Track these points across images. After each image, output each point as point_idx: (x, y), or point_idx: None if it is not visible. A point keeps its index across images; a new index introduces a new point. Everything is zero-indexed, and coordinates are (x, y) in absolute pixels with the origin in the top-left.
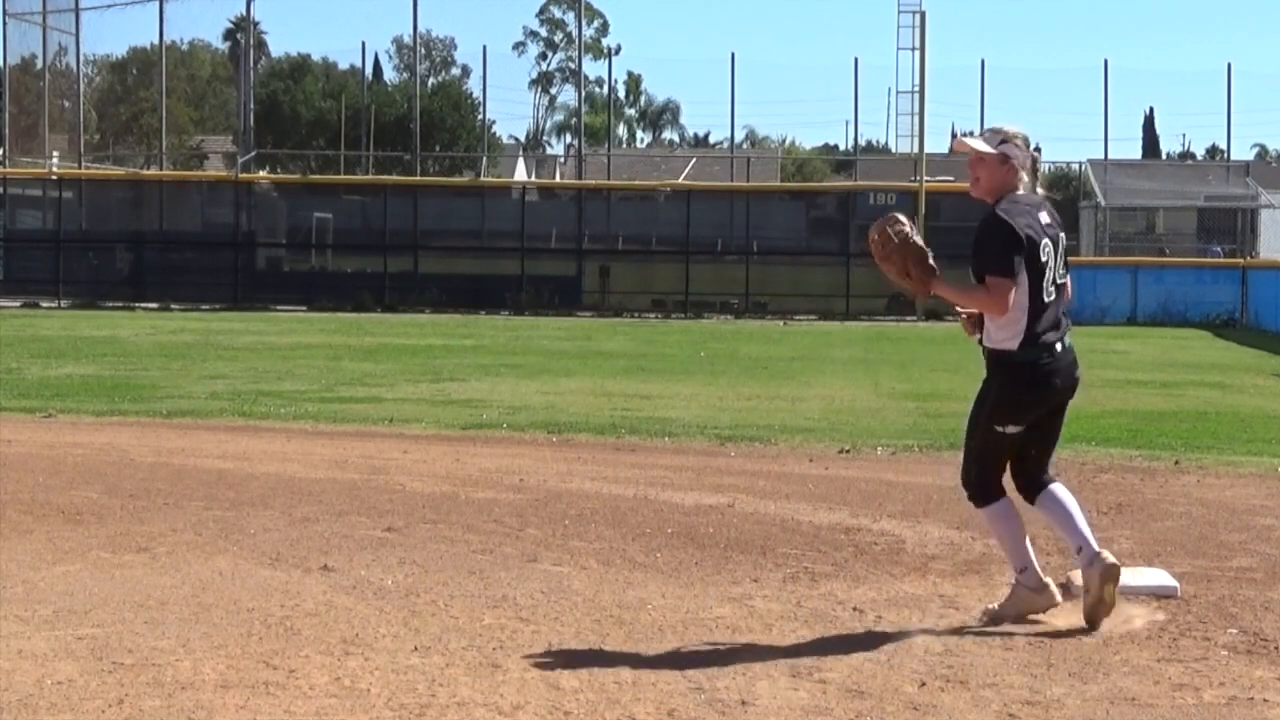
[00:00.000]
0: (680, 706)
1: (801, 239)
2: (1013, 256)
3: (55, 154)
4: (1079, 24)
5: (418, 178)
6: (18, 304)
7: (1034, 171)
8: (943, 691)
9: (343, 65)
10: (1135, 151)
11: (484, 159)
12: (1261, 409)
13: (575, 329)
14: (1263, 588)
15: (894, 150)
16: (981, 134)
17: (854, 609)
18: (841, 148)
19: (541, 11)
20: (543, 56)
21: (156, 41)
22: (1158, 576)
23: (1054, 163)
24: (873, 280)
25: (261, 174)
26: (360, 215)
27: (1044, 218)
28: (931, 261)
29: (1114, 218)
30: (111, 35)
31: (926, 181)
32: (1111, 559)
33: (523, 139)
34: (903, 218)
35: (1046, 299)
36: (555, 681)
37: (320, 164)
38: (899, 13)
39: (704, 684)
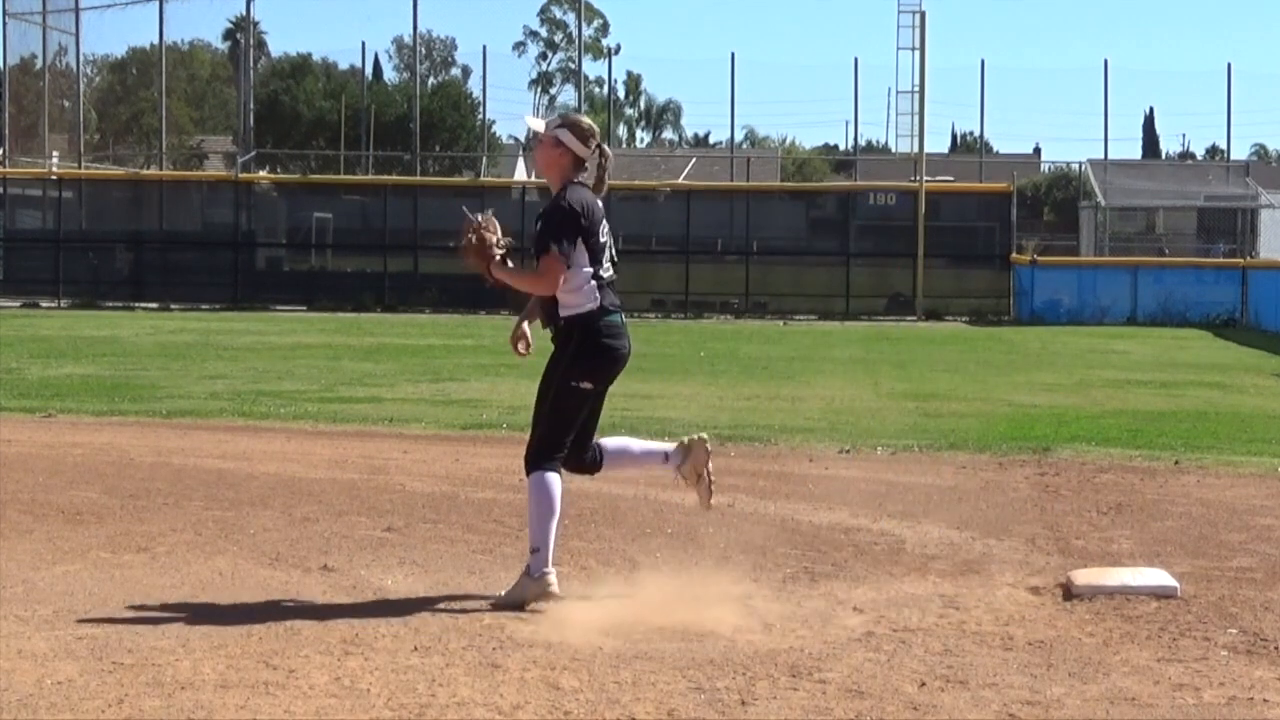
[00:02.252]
0: (680, 706)
1: (801, 239)
2: (565, 236)
3: (55, 154)
4: (1079, 24)
5: (418, 178)
6: (18, 304)
7: (600, 169)
8: (943, 691)
9: (343, 65)
10: (1135, 151)
11: (484, 159)
12: (1262, 409)
13: None
14: (1263, 588)
15: (894, 150)
16: (546, 115)
17: (854, 609)
18: (841, 148)
19: (542, 11)
20: (543, 56)
21: (156, 41)
22: (1157, 576)
23: (1054, 163)
24: (872, 279)
25: (261, 174)
26: (360, 215)
27: (599, 205)
28: (488, 247)
29: (1114, 217)
30: (111, 35)
31: (926, 181)
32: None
33: (523, 139)
34: (479, 219)
35: (605, 275)
36: (555, 681)
37: (320, 164)
38: (899, 13)
39: (704, 684)
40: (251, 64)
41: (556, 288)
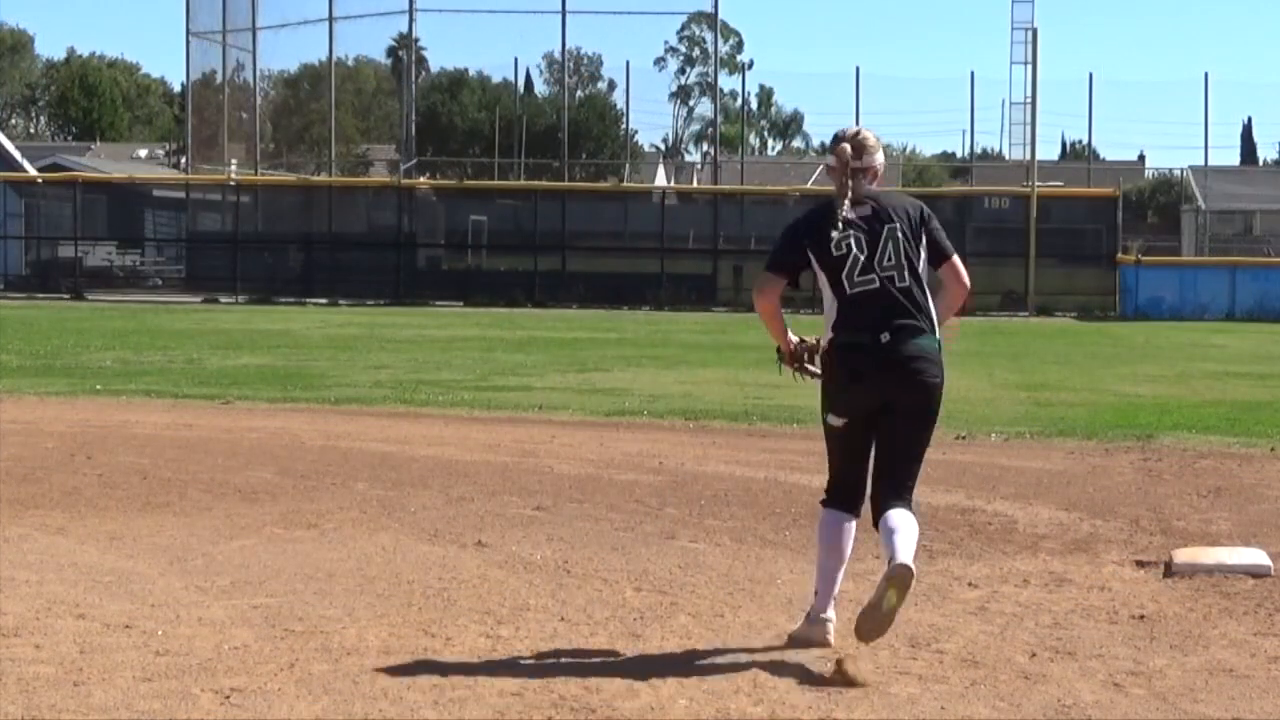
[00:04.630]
0: (807, 673)
1: None
2: (777, 250)
3: (234, 161)
4: (1181, 38)
5: (565, 183)
6: (199, 299)
7: (849, 174)
8: (1052, 662)
9: (497, 79)
10: (1234, 158)
11: (627, 166)
12: None
13: (711, 323)
14: None
15: (1007, 157)
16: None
17: (969, 584)
18: (958, 155)
19: (681, 30)
20: (681, 71)
21: (326, 58)
22: (1254, 556)
23: (1157, 169)
24: (987, 278)
25: (422, 180)
26: (512, 218)
27: (858, 212)
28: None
29: (1214, 220)
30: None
31: (1038, 187)
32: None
33: (663, 147)
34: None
35: (851, 290)
36: (691, 650)
37: (476, 170)
38: (1012, 29)
39: (829, 653)
40: (413, 78)
41: (766, 300)
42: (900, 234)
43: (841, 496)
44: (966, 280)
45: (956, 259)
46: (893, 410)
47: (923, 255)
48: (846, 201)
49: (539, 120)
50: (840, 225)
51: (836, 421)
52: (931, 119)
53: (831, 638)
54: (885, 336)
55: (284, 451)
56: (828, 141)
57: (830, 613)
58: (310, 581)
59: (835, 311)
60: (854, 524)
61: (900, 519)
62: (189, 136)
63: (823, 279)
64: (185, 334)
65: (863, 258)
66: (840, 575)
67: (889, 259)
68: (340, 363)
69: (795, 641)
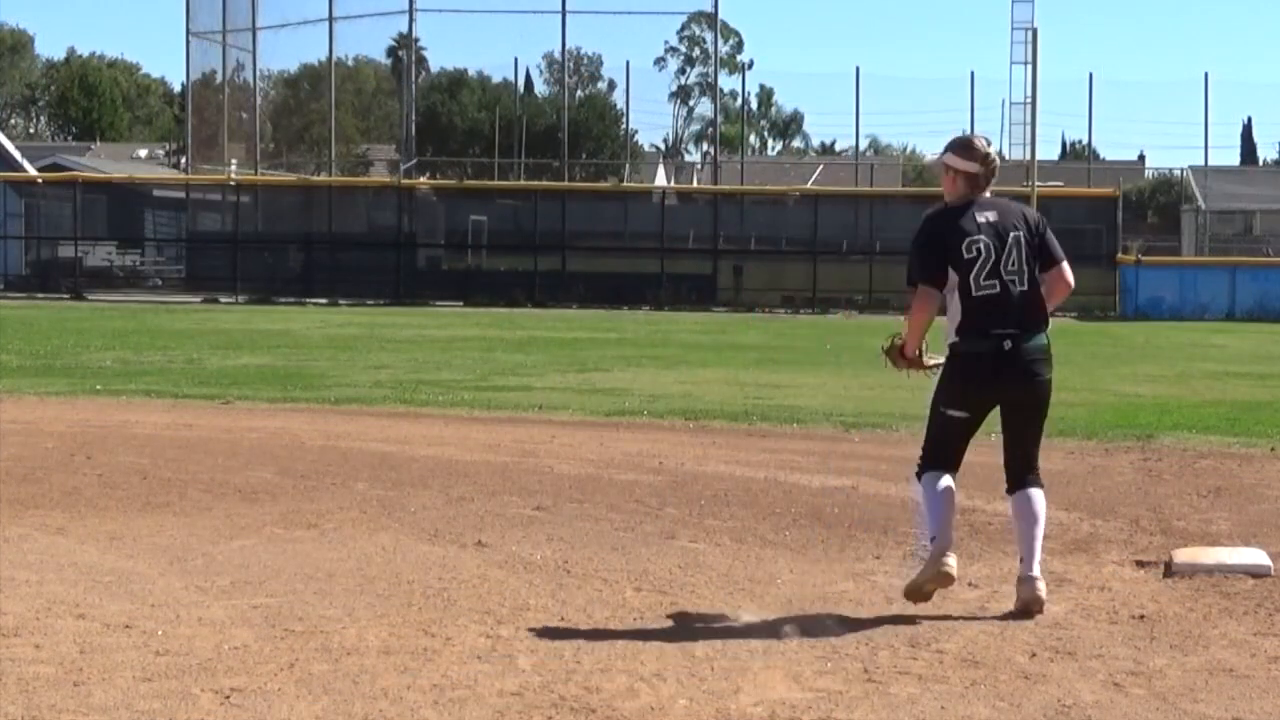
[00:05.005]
0: (806, 674)
1: None
2: (918, 259)
3: (233, 161)
4: (1181, 38)
5: (565, 183)
6: (199, 299)
7: (986, 175)
8: (1052, 662)
9: (497, 79)
10: (1234, 159)
11: (627, 166)
12: None
13: (711, 323)
14: None
15: (1008, 157)
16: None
17: (969, 584)
18: None
19: (681, 30)
20: (681, 71)
21: (326, 58)
22: (1253, 556)
23: (1157, 169)
24: None
25: (422, 180)
26: (512, 218)
27: (985, 216)
28: (897, 348)
29: (1214, 220)
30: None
31: (1038, 186)
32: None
33: (663, 147)
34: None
35: (976, 292)
36: (690, 650)
37: (476, 170)
38: (1012, 29)
39: (829, 653)
40: (413, 78)
41: (926, 313)
42: (1023, 240)
43: (943, 461)
44: (1071, 281)
45: (1065, 264)
46: (1012, 405)
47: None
48: (980, 207)
49: (539, 120)
50: (976, 229)
51: (955, 414)
52: (931, 119)
53: (955, 574)
54: (1007, 344)
55: (284, 451)
56: (828, 141)
57: (952, 556)
58: (310, 581)
59: (960, 314)
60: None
61: (1037, 503)
62: (189, 136)
63: (951, 282)
64: (185, 334)
65: (990, 262)
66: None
67: (1013, 264)
68: (340, 363)
69: (916, 589)
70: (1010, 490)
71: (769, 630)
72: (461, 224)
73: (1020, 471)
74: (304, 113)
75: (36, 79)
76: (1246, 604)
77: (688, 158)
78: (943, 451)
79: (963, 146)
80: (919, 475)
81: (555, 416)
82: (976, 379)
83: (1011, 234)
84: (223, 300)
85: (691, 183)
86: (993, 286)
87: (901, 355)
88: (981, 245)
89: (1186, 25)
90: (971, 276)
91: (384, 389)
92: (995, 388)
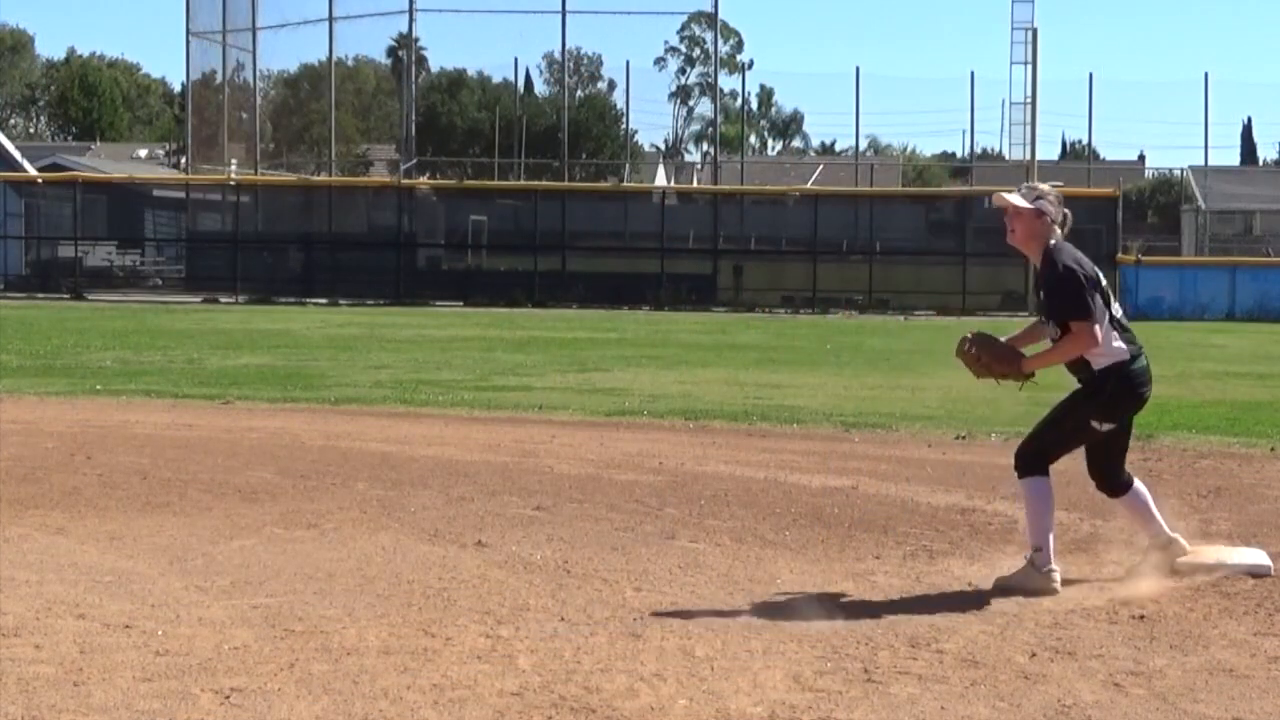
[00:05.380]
0: (806, 674)
1: (921, 240)
2: (1088, 297)
3: (233, 161)
4: (1181, 38)
5: (566, 183)
6: (199, 299)
7: (1064, 224)
8: (1052, 662)
9: (497, 79)
10: (1234, 159)
11: (627, 166)
12: None
13: (711, 323)
14: None
15: (1008, 157)
16: (1019, 190)
17: (969, 584)
18: (958, 155)
19: (681, 30)
20: (682, 71)
21: (326, 58)
22: (1254, 556)
23: (1157, 169)
24: (988, 279)
25: (422, 180)
26: (512, 218)
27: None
28: (1006, 346)
29: (1214, 220)
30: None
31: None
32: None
33: (663, 147)
34: (967, 337)
35: (1119, 315)
36: (691, 650)
37: (476, 170)
38: (1012, 29)
39: (829, 653)
40: (413, 78)
41: (1095, 344)
42: None
43: (1047, 467)
44: None
45: None
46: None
47: None
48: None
49: (539, 120)
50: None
51: (1105, 428)
52: (931, 119)
53: (1059, 585)
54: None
55: (284, 451)
56: (828, 141)
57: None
58: (310, 581)
59: (1117, 336)
60: None
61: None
62: (189, 136)
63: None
64: (185, 334)
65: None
66: None
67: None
68: (340, 363)
69: (1015, 587)
70: (1119, 493)
71: (769, 630)
72: (461, 224)
73: (1120, 479)
74: (304, 113)
75: (36, 79)
76: (1247, 604)
77: (688, 158)
78: (1056, 456)
79: (1050, 195)
80: (1031, 470)
81: (555, 416)
82: (1145, 399)
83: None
84: (223, 300)
85: (691, 183)
86: (1119, 309)
87: (1016, 368)
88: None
89: (1186, 25)
90: (1112, 302)
91: (384, 389)
92: (1144, 405)
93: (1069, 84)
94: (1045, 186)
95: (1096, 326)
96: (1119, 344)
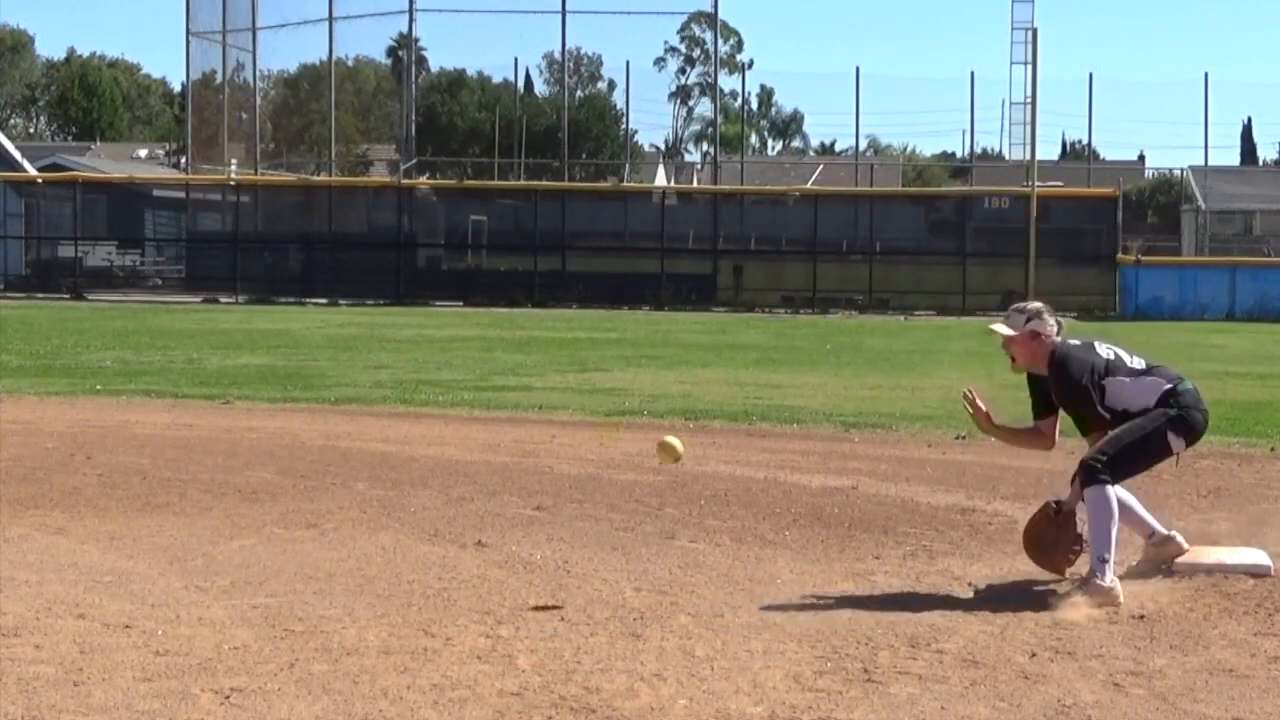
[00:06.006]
0: (806, 674)
1: (921, 240)
2: (1093, 396)
3: (233, 161)
4: (1181, 38)
5: (565, 183)
6: (199, 299)
7: (1059, 330)
8: (1052, 662)
9: (497, 79)
10: (1234, 159)
11: (627, 166)
12: None
13: (711, 323)
14: None
15: (1008, 157)
16: (1005, 318)
17: (969, 584)
18: (958, 155)
19: (681, 29)
20: (682, 71)
21: (326, 58)
22: (1254, 556)
23: (1157, 169)
24: (987, 279)
25: (422, 180)
26: (512, 218)
27: (1074, 341)
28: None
29: (1214, 220)
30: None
31: (1038, 186)
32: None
33: (663, 147)
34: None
35: (1138, 367)
36: (691, 650)
37: (476, 170)
38: (1012, 29)
39: (829, 653)
40: (413, 79)
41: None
42: None
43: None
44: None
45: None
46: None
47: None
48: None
49: (539, 120)
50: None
51: (1179, 445)
52: (931, 119)
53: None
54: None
55: (284, 451)
56: (828, 141)
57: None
58: (310, 581)
59: (1142, 377)
60: None
61: None
62: (189, 136)
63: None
64: (185, 334)
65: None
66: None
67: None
68: (340, 363)
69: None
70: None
71: (769, 630)
72: (461, 224)
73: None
74: (304, 113)
75: (36, 79)
76: (1247, 604)
77: (688, 158)
78: (1130, 473)
79: (1041, 315)
80: (1102, 481)
81: (555, 416)
82: (1206, 414)
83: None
84: (223, 300)
85: (691, 183)
86: (1140, 361)
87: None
88: (1103, 348)
89: (1186, 25)
90: (1131, 355)
91: (384, 389)
92: (1203, 430)
93: (1069, 84)
94: (1035, 305)
95: (1110, 421)
96: (1151, 379)
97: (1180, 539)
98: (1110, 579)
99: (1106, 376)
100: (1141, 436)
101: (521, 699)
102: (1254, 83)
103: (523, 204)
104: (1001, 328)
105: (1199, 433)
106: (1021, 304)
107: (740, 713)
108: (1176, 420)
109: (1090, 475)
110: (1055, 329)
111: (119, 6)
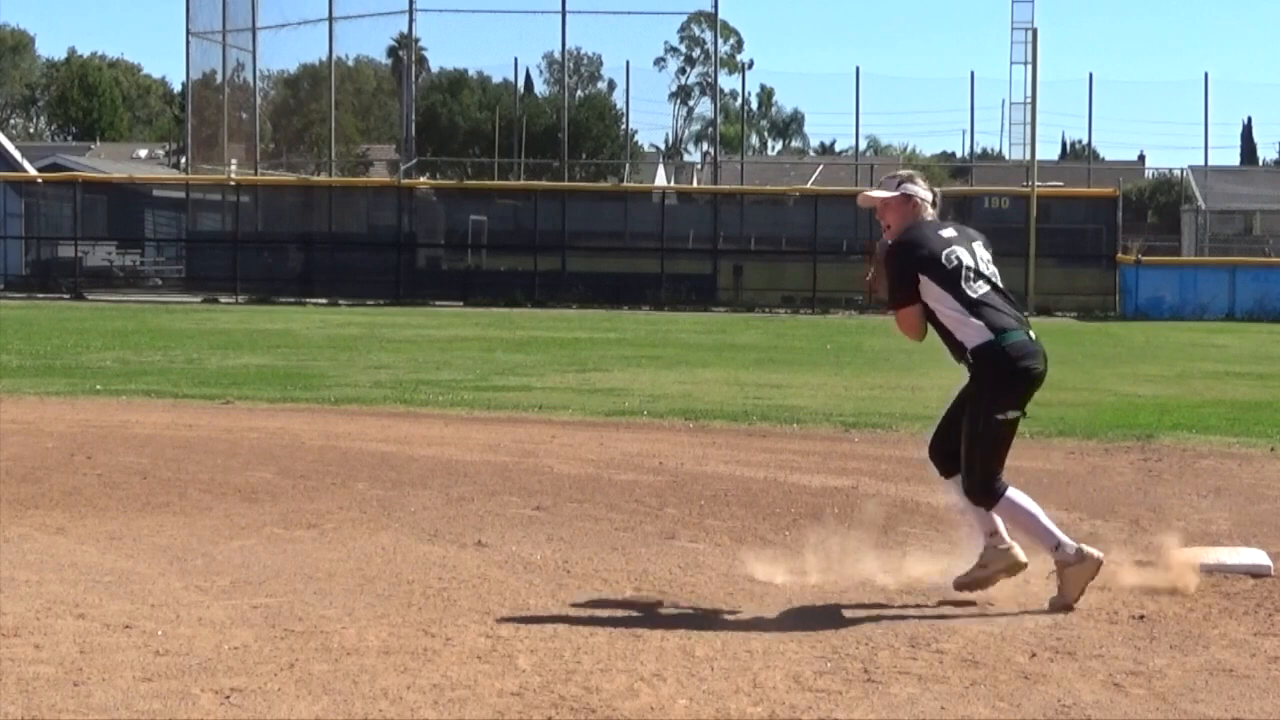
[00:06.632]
0: (806, 674)
1: None
2: (904, 281)
3: (233, 161)
4: (1181, 38)
5: (565, 183)
6: (198, 299)
7: (935, 203)
8: (1052, 662)
9: (497, 79)
10: (1234, 159)
11: (627, 166)
12: None
13: (711, 323)
14: None
15: (1008, 157)
16: (880, 182)
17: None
18: (958, 155)
19: (681, 30)
20: (682, 71)
21: (326, 58)
22: (1254, 556)
23: (1157, 169)
24: None
25: (422, 180)
26: (512, 218)
27: (946, 232)
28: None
29: (1214, 220)
30: (285, 52)
31: (1038, 186)
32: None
33: (663, 147)
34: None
35: (973, 295)
36: (691, 650)
37: (476, 170)
38: (1012, 30)
39: (829, 654)
40: (413, 79)
41: (915, 333)
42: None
43: (1001, 484)
44: None
45: None
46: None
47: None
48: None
49: (539, 120)
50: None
51: (1013, 415)
52: (931, 119)
53: (1098, 552)
54: (1033, 332)
55: (284, 451)
56: (828, 142)
57: (1071, 543)
58: (310, 581)
59: (974, 315)
60: None
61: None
62: (189, 136)
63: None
64: (185, 334)
65: (971, 268)
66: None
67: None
68: (340, 363)
69: (1072, 592)
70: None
71: (769, 630)
72: (461, 224)
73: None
74: (304, 113)
75: (36, 79)
76: (1246, 604)
77: (688, 158)
78: (1000, 466)
79: (914, 179)
80: (991, 498)
81: (555, 416)
82: (1034, 374)
83: (973, 242)
84: (223, 300)
85: (691, 183)
86: (986, 287)
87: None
88: (967, 250)
89: (1186, 25)
90: (972, 278)
91: (384, 389)
92: (1038, 381)
93: (1069, 84)
94: (906, 171)
95: (909, 308)
96: (976, 321)
97: (1019, 553)
98: (1072, 547)
99: (929, 273)
100: (975, 440)
101: (521, 699)
102: (1254, 83)
103: (523, 204)
104: (876, 191)
105: (1033, 382)
106: (896, 171)
107: (740, 713)
108: (992, 395)
109: (983, 501)
110: (930, 198)
111: (119, 7)
